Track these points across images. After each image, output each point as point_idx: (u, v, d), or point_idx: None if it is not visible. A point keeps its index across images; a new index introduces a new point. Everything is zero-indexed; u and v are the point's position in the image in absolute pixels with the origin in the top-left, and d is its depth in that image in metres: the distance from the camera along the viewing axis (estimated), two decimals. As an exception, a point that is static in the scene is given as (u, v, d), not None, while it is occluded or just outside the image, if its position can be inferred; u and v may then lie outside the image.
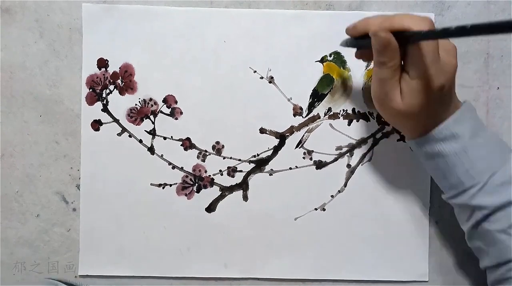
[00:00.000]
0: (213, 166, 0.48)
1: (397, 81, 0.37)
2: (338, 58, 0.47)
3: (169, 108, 0.48)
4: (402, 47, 0.35)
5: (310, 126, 0.48)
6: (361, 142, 0.48)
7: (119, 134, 0.47)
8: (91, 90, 0.47)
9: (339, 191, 0.48)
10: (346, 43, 0.42)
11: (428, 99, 0.36)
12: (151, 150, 0.48)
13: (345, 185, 0.48)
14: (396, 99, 0.37)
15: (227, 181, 0.48)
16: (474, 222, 0.39)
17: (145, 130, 0.48)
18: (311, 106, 0.48)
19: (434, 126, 0.38)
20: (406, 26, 0.34)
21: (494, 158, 0.38)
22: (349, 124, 0.48)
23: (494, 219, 0.38)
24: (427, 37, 0.34)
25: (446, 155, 0.38)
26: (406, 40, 0.35)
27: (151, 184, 0.48)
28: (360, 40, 0.39)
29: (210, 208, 0.48)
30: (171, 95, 0.47)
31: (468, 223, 0.40)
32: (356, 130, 0.48)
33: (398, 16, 0.35)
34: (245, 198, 0.48)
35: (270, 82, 0.48)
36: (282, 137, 0.48)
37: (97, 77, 0.47)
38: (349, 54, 0.47)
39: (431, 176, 0.43)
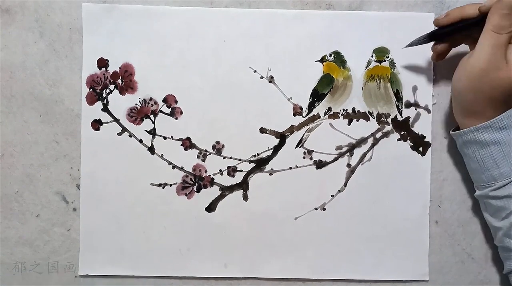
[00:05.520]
0: (213, 165, 0.48)
1: (506, 52, 0.40)
2: (338, 58, 0.47)
3: (169, 108, 0.48)
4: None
5: (310, 126, 0.48)
6: (361, 142, 0.48)
7: (119, 134, 0.48)
8: (91, 90, 0.47)
9: (339, 191, 0.48)
10: (423, 39, 0.45)
11: None
12: (151, 149, 0.48)
13: (345, 185, 0.48)
14: (503, 67, 0.40)
15: (227, 181, 0.48)
16: None
17: (145, 130, 0.48)
18: (311, 106, 0.48)
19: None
20: None
21: None
22: (349, 124, 0.48)
23: None
24: None
25: (503, 143, 0.41)
26: None
27: (151, 184, 0.48)
28: (450, 28, 0.43)
29: (210, 208, 0.48)
30: (171, 95, 0.47)
31: (507, 218, 0.42)
32: (356, 130, 0.48)
33: None
34: (245, 197, 0.48)
35: (270, 82, 0.48)
36: (282, 137, 0.48)
37: (97, 77, 0.47)
38: (349, 54, 0.47)
39: (476, 167, 0.44)
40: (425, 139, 0.48)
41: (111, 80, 0.47)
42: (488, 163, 0.42)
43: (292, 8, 0.47)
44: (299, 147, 0.48)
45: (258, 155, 0.48)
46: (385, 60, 0.47)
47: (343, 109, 0.48)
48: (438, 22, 0.44)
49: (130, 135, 0.48)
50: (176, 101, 0.47)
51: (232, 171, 0.48)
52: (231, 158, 0.48)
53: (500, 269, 0.48)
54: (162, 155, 0.48)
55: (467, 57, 0.42)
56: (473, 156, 0.43)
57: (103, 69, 0.47)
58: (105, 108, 0.47)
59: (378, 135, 0.48)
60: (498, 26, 0.40)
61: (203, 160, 0.48)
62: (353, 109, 0.48)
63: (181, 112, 0.48)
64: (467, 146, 0.44)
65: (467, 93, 0.42)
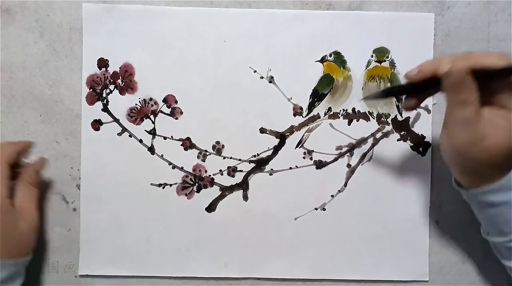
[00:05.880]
0: (213, 165, 0.48)
1: (482, 119, 0.35)
2: (338, 58, 0.47)
3: (169, 108, 0.48)
4: (482, 84, 0.35)
5: (310, 126, 0.48)
6: (361, 142, 0.48)
7: (119, 134, 0.48)
8: (91, 90, 0.47)
9: (339, 191, 0.48)
10: (379, 94, 0.42)
11: None
12: (151, 149, 0.48)
13: (345, 185, 0.48)
14: (485, 139, 0.35)
15: (227, 181, 0.48)
16: None
17: (145, 130, 0.48)
18: (311, 106, 0.48)
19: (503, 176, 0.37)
20: (487, 63, 0.35)
21: None
22: (349, 124, 0.48)
23: None
24: None
25: None
26: (488, 77, 0.35)
27: (151, 184, 0.48)
28: (420, 85, 0.39)
29: (210, 208, 0.48)
30: (171, 95, 0.47)
31: None
32: (356, 130, 0.48)
33: (474, 55, 0.35)
34: (245, 197, 0.48)
35: (270, 82, 0.48)
36: (282, 137, 0.48)
37: (97, 77, 0.47)
38: (349, 54, 0.47)
39: (484, 220, 0.41)
40: (425, 140, 0.48)
41: (111, 80, 0.47)
42: (498, 219, 0.39)
43: (292, 8, 0.47)
44: (299, 147, 0.48)
45: (258, 155, 0.48)
46: (385, 61, 0.47)
47: (343, 110, 0.48)
48: (409, 77, 0.39)
49: (130, 136, 0.48)
50: (176, 101, 0.47)
51: (232, 171, 0.48)
52: (231, 158, 0.48)
53: (500, 269, 0.48)
54: (162, 155, 0.48)
55: (444, 134, 0.38)
56: (481, 211, 0.41)
57: (103, 69, 0.47)
58: (105, 108, 0.47)
59: (378, 135, 0.48)
60: (457, 102, 0.36)
61: (203, 160, 0.48)
62: (353, 109, 0.48)
63: (181, 112, 0.48)
64: (473, 203, 0.41)
65: (458, 164, 0.39)
